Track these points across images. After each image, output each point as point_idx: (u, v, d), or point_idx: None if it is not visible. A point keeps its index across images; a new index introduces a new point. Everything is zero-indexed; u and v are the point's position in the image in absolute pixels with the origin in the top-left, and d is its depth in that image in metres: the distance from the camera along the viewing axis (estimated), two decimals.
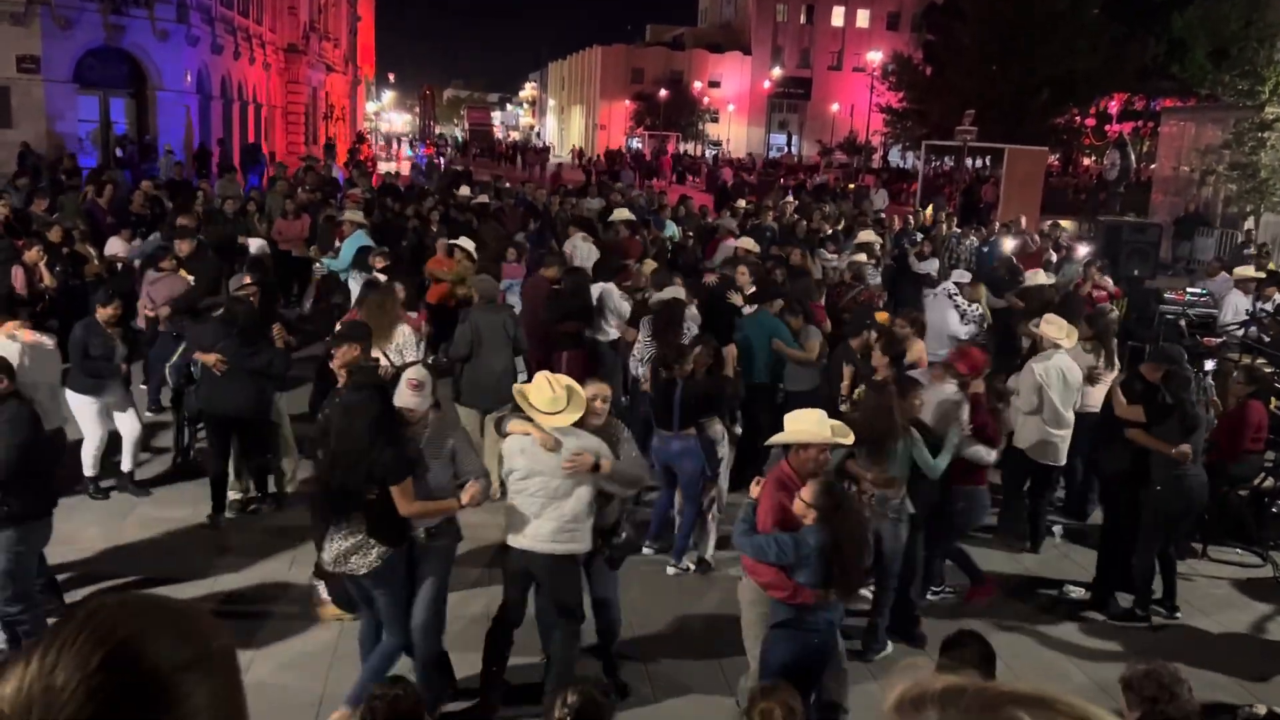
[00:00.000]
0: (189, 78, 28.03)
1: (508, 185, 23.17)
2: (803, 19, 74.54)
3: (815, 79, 73.98)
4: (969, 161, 31.69)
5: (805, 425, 5.12)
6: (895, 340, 7.57)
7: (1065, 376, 7.65)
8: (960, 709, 0.91)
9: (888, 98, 46.73)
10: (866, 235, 13.44)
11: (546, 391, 5.12)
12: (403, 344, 7.98)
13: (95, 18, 24.84)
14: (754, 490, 4.97)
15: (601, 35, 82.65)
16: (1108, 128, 44.97)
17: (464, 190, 18.50)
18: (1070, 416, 7.73)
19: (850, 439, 5.28)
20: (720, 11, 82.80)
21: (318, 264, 12.84)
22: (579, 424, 5.13)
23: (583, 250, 13.10)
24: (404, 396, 5.02)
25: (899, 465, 6.03)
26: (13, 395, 5.38)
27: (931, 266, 13.90)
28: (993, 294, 11.51)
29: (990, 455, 6.74)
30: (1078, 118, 43.61)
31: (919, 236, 15.70)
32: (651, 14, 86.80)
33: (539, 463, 5.09)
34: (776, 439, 5.21)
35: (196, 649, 1.03)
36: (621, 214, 15.00)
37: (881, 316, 8.59)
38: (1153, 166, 33.31)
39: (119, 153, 25.44)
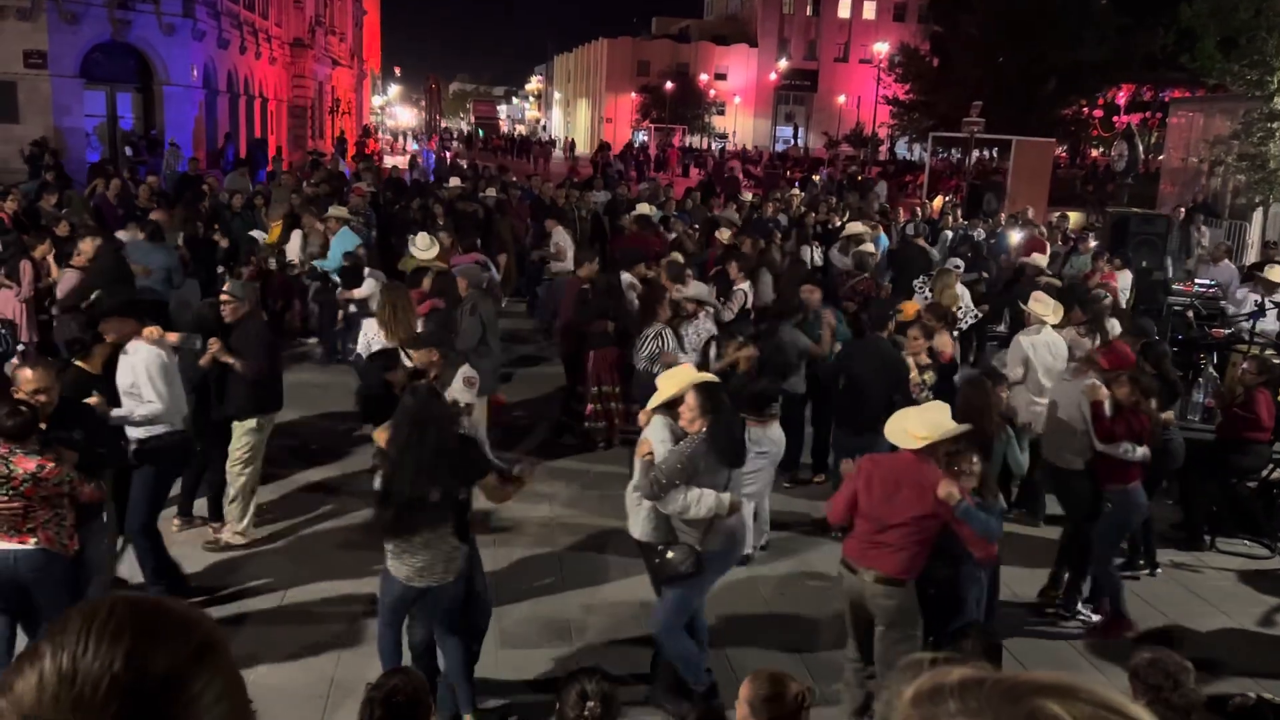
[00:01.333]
0: (195, 72, 28.05)
1: (513, 179, 23.17)
2: (809, 11, 74.35)
3: (821, 71, 73.76)
4: (976, 153, 31.59)
5: (948, 422, 5.09)
6: (928, 328, 7.79)
7: (1050, 350, 8.08)
8: (981, 700, 0.90)
9: (894, 89, 46.60)
10: (855, 227, 13.49)
11: (673, 376, 5.36)
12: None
13: (101, 12, 24.88)
14: (944, 490, 4.83)
15: (607, 28, 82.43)
16: (1115, 119, 44.83)
17: (454, 181, 18.37)
18: (1050, 385, 8.01)
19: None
20: (726, 4, 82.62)
21: (292, 262, 12.42)
22: (676, 419, 5.23)
23: (563, 242, 13.09)
24: (461, 392, 5.18)
25: (994, 462, 6.01)
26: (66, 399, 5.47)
27: (933, 254, 14.00)
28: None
29: (1136, 452, 6.50)
30: (1085, 109, 43.47)
31: (910, 228, 15.75)
32: (657, 6, 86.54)
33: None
34: (926, 438, 4.99)
35: (199, 645, 1.02)
36: (642, 209, 14.95)
37: (910, 308, 8.71)
38: (1161, 157, 33.17)
39: (128, 151, 25.38)
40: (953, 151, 37.50)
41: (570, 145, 63.88)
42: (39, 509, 4.85)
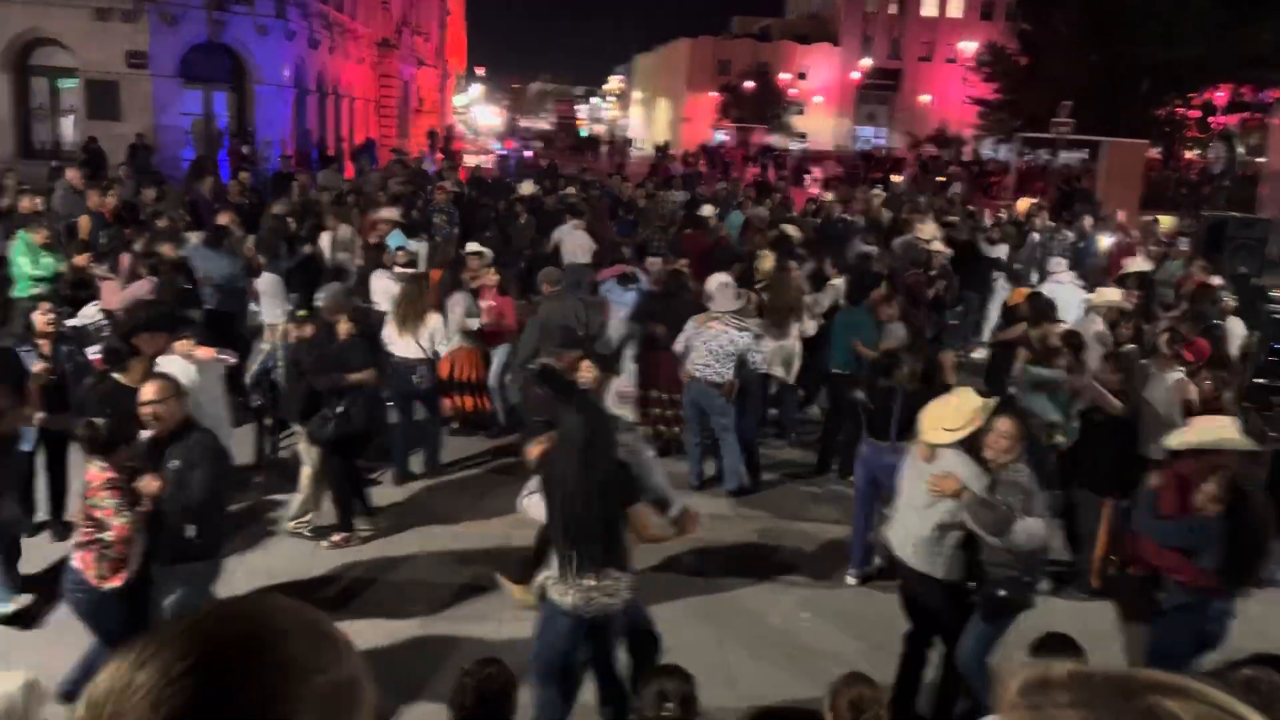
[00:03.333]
0: (287, 72, 28.80)
1: (592, 178, 23.28)
2: (893, 9, 73.32)
3: (905, 70, 72.74)
4: (1064, 155, 30.83)
5: (1228, 432, 5.24)
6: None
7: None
8: (1093, 693, 0.89)
9: (980, 89, 45.70)
10: (928, 229, 13.45)
11: (949, 405, 5.12)
12: (433, 331, 8.31)
13: (199, 14, 25.68)
14: (1153, 481, 5.07)
15: (688, 28, 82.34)
16: (1211, 119, 43.29)
17: (527, 187, 18.34)
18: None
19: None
20: (809, 2, 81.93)
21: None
22: (977, 453, 4.97)
23: (573, 239, 12.96)
24: (612, 408, 4.98)
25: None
26: (193, 422, 5.12)
27: (1000, 251, 13.75)
28: None
29: None
30: (1180, 109, 42.06)
31: (988, 224, 15.53)
32: (739, 6, 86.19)
33: (910, 469, 5.21)
34: (1193, 442, 5.16)
35: (305, 674, 0.92)
36: (705, 210, 15.07)
37: (1019, 294, 9.24)
38: (1261, 160, 31.96)
39: (244, 149, 25.65)
40: (1040, 153, 36.66)
41: (626, 143, 61.72)
42: (87, 525, 4.69)
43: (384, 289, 9.82)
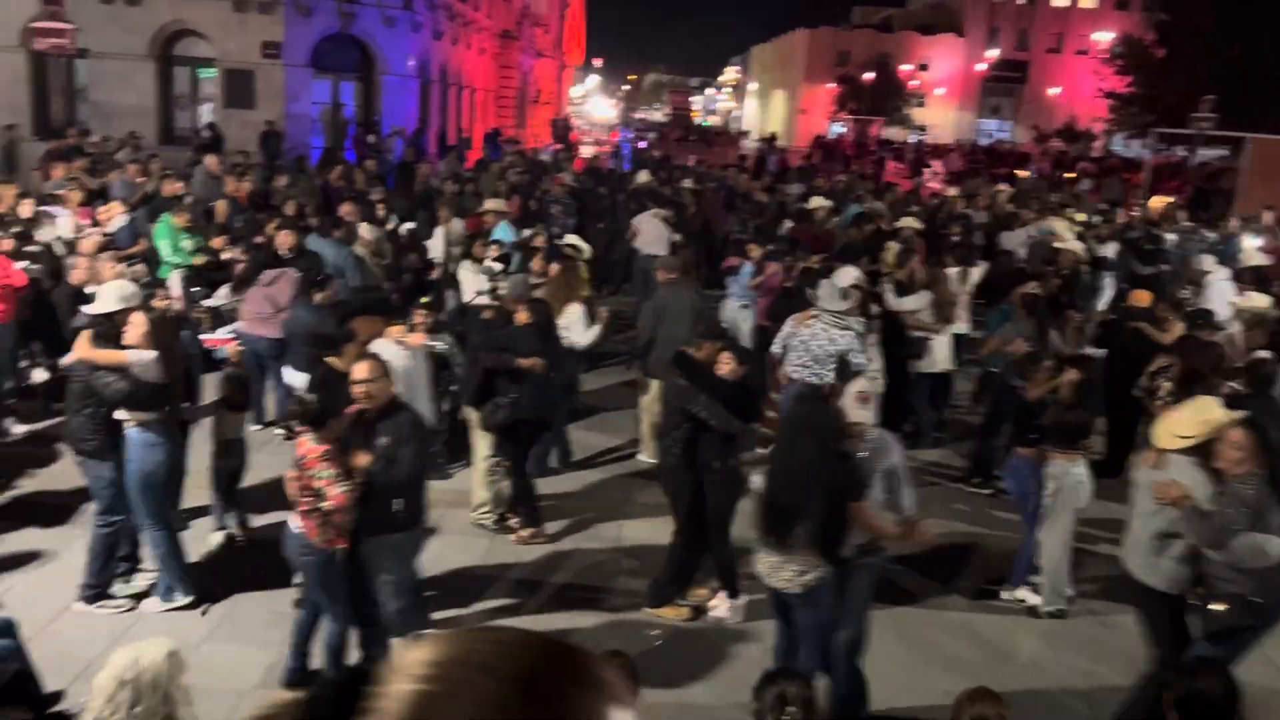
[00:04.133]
0: (411, 63, 29.46)
1: (707, 170, 23.17)
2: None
3: (1033, 62, 70.34)
4: (1203, 151, 29.32)
5: None
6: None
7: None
8: None
9: (1113, 82, 43.84)
10: (1055, 223, 13.07)
11: (1185, 413, 5.08)
12: (571, 321, 8.28)
13: (331, 5, 26.47)
14: None
15: (807, 18, 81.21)
16: None
17: (643, 176, 18.27)
18: None
19: None
20: None
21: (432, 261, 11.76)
22: (1208, 460, 4.81)
23: (650, 229, 12.69)
24: (853, 410, 4.88)
25: None
26: (401, 402, 5.31)
27: (1109, 250, 13.19)
28: None
29: None
30: None
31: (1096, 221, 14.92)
32: None
33: (1139, 475, 5.22)
34: None
35: None
36: (816, 201, 14.86)
37: (1144, 297, 8.95)
38: None
39: (370, 138, 26.26)
40: (1176, 149, 35.01)
41: (740, 134, 61.34)
42: (306, 495, 4.97)
43: (470, 280, 9.87)
